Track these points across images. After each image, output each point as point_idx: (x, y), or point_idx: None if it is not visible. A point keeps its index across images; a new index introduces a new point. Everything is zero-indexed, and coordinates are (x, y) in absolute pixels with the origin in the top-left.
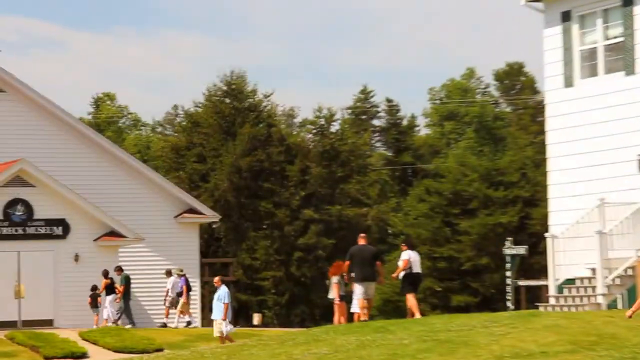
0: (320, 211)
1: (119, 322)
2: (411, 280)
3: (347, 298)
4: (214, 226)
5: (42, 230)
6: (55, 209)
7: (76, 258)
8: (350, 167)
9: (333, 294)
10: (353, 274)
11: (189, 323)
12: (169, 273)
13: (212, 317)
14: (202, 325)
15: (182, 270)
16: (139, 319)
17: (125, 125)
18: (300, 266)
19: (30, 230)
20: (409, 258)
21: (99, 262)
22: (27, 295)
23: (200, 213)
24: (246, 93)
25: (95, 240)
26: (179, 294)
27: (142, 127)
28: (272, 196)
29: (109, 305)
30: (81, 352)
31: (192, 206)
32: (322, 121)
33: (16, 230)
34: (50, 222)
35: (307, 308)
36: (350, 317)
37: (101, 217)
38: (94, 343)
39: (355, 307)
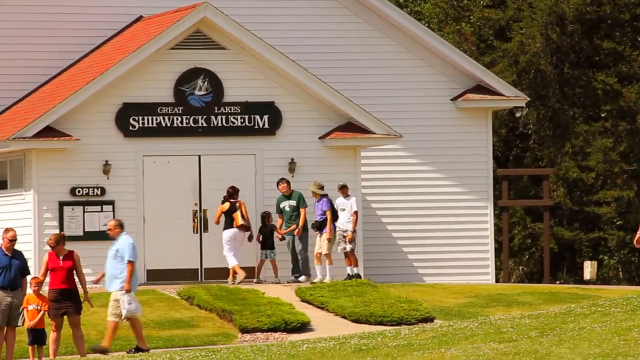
0: None
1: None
2: None
3: None
4: (517, 114)
5: (237, 121)
6: (259, 87)
7: (291, 166)
8: None
9: None
10: None
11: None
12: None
13: (107, 287)
14: (497, 281)
15: (321, 187)
16: (390, 269)
17: None
18: None
19: (218, 121)
20: None
21: (329, 171)
22: (212, 227)
23: (495, 92)
24: None
25: (322, 137)
26: (317, 225)
27: None
28: (618, 64)
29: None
30: (300, 321)
31: (481, 81)
32: None
33: (195, 121)
34: (250, 108)
35: None
36: None
37: (333, 101)
38: (321, 307)
39: None
